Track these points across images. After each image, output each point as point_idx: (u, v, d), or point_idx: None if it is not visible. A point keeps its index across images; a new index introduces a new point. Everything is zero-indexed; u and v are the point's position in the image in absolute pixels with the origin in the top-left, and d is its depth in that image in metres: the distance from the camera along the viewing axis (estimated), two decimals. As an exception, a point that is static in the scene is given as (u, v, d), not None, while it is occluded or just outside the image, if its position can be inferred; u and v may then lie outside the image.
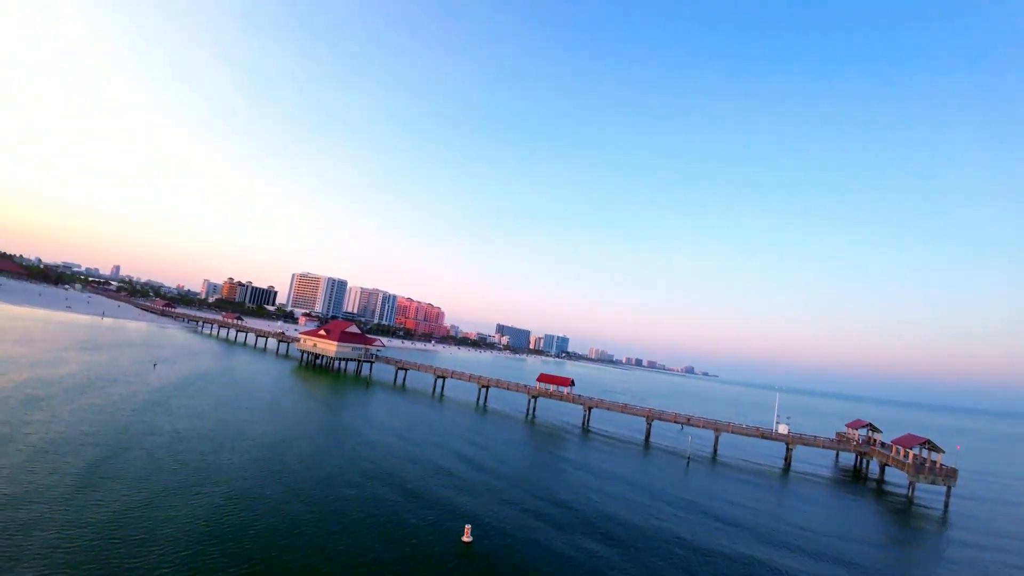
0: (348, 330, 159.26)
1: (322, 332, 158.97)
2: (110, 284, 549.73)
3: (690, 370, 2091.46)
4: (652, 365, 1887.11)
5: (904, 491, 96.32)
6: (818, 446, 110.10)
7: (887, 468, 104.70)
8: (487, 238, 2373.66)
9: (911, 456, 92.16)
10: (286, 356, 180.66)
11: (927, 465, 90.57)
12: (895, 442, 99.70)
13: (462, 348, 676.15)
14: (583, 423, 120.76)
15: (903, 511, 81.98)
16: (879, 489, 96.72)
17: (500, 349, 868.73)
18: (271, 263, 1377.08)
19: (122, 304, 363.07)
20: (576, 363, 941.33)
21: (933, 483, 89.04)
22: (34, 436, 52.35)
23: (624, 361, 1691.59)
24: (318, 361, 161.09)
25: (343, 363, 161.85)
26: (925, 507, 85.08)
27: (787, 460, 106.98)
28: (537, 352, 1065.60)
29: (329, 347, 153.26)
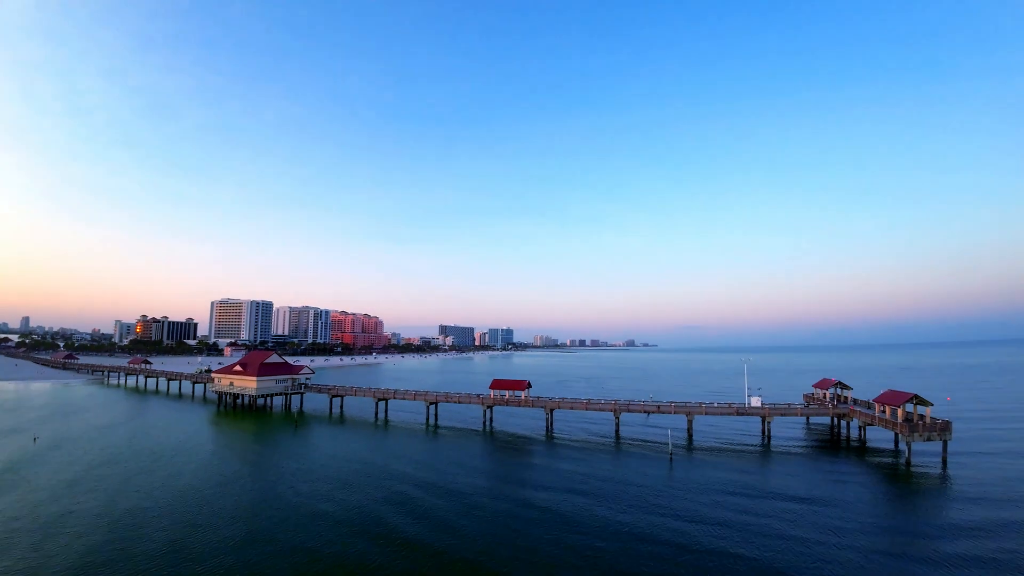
0: (268, 361, 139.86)
1: (237, 367, 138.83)
2: (8, 340, 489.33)
3: (631, 343, 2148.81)
4: (596, 344, 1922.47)
5: (891, 450, 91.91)
6: (795, 415, 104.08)
7: (868, 428, 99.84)
8: (416, 239, 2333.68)
9: (901, 414, 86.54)
10: (203, 400, 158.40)
11: (920, 423, 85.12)
12: (878, 400, 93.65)
13: (406, 355, 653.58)
14: (546, 428, 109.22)
15: (904, 476, 76.11)
16: (868, 452, 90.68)
17: (446, 351, 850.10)
18: (190, 294, 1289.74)
19: (20, 361, 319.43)
20: (523, 353, 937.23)
21: (928, 440, 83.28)
22: None
23: (569, 344, 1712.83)
24: (240, 401, 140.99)
25: (269, 399, 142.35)
26: (924, 469, 79.16)
27: (766, 435, 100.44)
28: (483, 348, 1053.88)
29: (248, 383, 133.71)
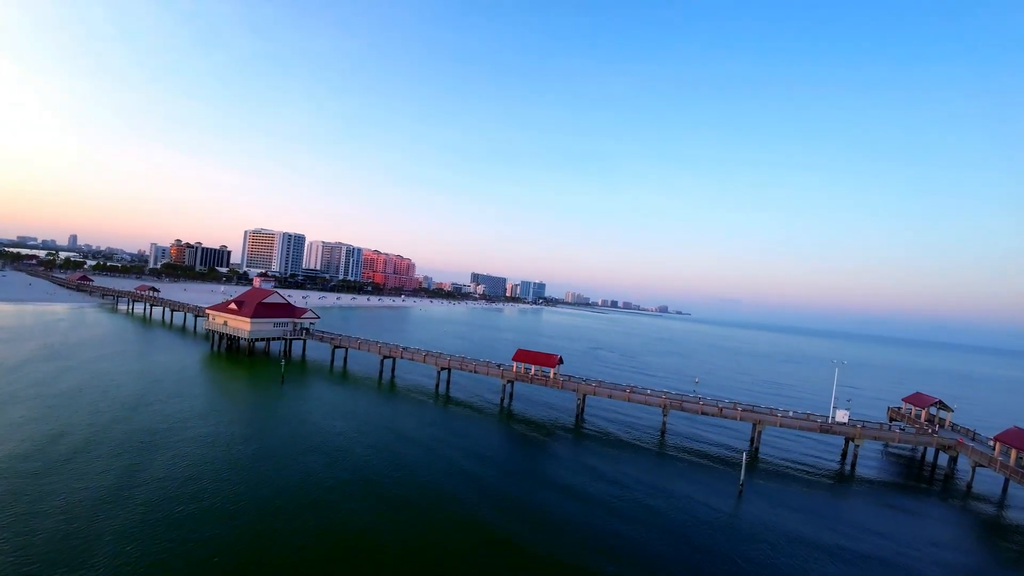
0: (266, 300, 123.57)
1: (232, 305, 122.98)
2: (34, 257, 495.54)
3: (664, 309, 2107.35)
4: (627, 306, 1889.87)
5: (996, 503, 69.31)
6: (892, 440, 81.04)
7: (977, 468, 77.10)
8: (458, 185, 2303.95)
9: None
10: (205, 337, 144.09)
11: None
12: (999, 439, 71.57)
13: (435, 300, 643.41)
14: (576, 416, 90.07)
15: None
16: (971, 506, 67.68)
17: (476, 299, 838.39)
18: (227, 222, 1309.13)
19: (35, 280, 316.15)
20: (554, 309, 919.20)
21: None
22: None
23: (600, 304, 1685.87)
24: (235, 344, 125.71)
25: (267, 343, 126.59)
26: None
27: (846, 457, 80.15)
28: (514, 300, 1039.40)
29: (242, 324, 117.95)
